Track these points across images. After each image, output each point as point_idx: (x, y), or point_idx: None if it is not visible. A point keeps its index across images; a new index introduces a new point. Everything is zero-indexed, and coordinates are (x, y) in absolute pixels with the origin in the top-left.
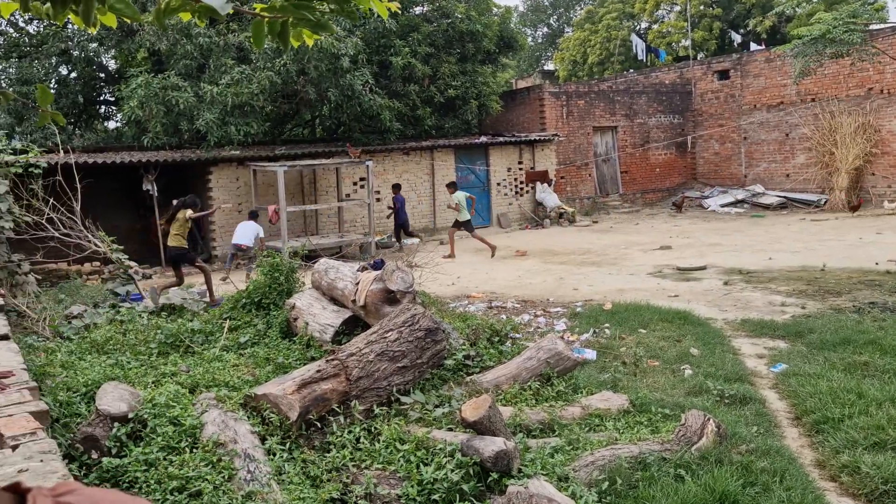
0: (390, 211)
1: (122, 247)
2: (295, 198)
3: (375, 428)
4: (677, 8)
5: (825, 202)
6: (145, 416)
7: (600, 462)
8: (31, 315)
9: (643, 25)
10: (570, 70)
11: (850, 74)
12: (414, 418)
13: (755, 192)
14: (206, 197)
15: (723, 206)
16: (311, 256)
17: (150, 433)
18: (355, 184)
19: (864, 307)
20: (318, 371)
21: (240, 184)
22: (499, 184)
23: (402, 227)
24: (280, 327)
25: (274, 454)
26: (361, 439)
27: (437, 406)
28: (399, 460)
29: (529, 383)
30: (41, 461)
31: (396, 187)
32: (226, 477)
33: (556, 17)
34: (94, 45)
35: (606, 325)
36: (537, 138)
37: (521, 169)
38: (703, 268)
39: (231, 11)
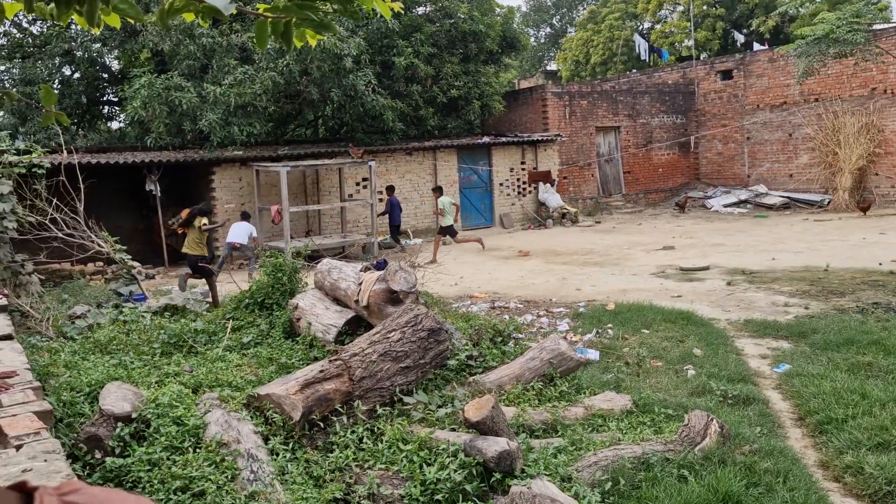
0: (381, 213)
1: (125, 247)
2: (298, 198)
3: (378, 428)
4: (680, 8)
5: (828, 202)
6: (149, 416)
7: (603, 462)
8: (35, 315)
9: (646, 25)
10: (573, 70)
11: (853, 74)
12: (417, 418)
13: (758, 193)
14: (210, 197)
15: (726, 206)
16: (313, 257)
17: (153, 433)
18: (358, 184)
19: (867, 307)
20: (322, 371)
21: (243, 184)
22: (501, 184)
23: (396, 229)
24: (283, 327)
25: (277, 454)
26: (364, 439)
27: (440, 406)
28: (402, 460)
29: (532, 383)
30: (45, 461)
31: (390, 189)
32: (229, 477)
33: (558, 17)
34: (98, 45)
35: (609, 325)
36: (540, 138)
37: (523, 169)
38: (706, 268)
39: (234, 12)
